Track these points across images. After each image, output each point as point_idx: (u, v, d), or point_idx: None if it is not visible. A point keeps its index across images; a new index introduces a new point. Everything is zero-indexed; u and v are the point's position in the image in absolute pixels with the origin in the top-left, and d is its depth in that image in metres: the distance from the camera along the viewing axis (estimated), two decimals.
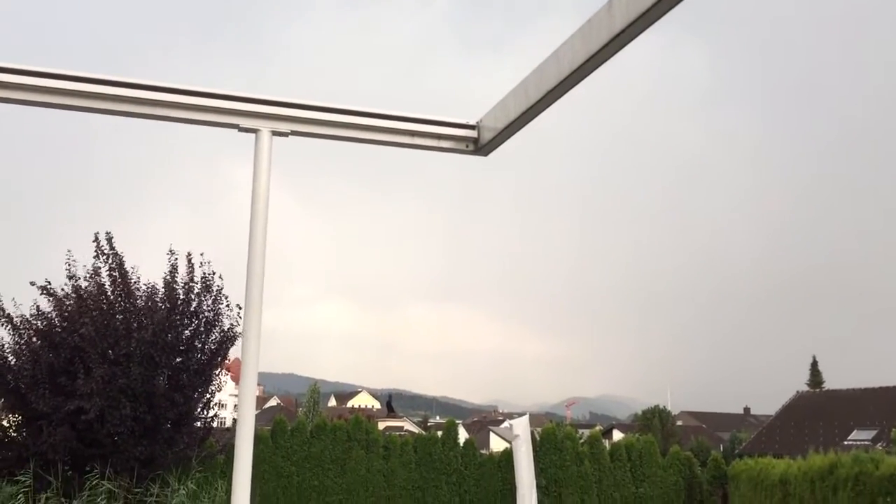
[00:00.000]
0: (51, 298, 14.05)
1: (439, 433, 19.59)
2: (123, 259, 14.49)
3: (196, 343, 14.76)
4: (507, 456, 18.47)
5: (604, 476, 18.94)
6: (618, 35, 2.13)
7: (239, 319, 14.87)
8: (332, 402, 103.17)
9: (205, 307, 14.88)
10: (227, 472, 15.28)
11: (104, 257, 14.37)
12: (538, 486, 18.02)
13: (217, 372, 15.54)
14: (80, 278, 14.22)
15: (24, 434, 13.97)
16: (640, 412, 60.61)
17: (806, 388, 50.06)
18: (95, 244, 14.41)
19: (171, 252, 14.90)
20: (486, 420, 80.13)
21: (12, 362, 13.90)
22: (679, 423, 65.20)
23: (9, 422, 14.62)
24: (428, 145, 3.05)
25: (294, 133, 2.91)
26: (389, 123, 2.97)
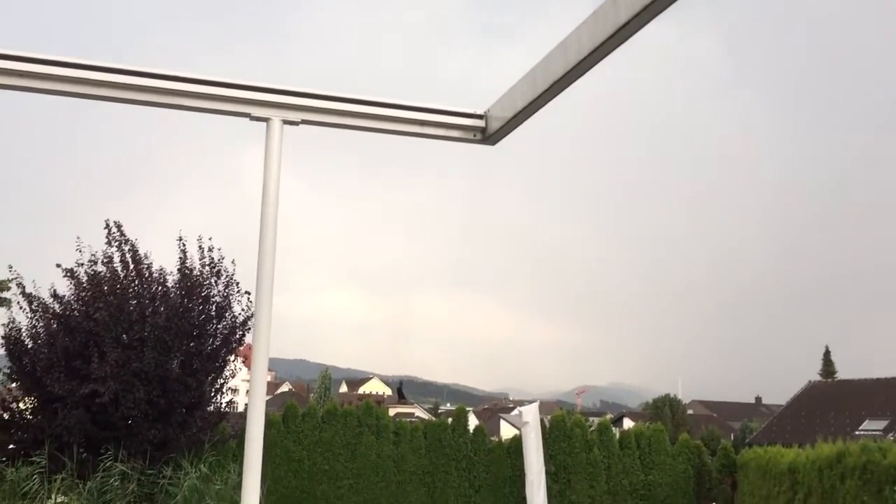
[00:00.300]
0: (72, 282, 14.20)
1: (449, 420, 19.69)
2: (137, 245, 14.64)
3: (208, 328, 14.89)
4: (517, 442, 18.54)
5: (613, 463, 19.00)
6: (623, 27, 2.15)
7: (250, 304, 15.00)
8: (344, 389, 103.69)
9: (215, 293, 15.00)
10: (239, 455, 15.44)
11: (116, 243, 14.51)
12: (547, 473, 18.11)
13: (231, 357, 15.68)
14: (96, 262, 14.39)
15: (40, 417, 14.15)
16: (650, 401, 60.62)
17: (818, 379, 49.89)
18: (107, 230, 14.55)
19: (180, 239, 15.00)
20: (496, 407, 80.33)
21: (29, 346, 14.09)
22: (690, 412, 65.14)
23: (25, 404, 14.81)
24: (436, 134, 3.08)
25: (304, 122, 2.94)
26: (398, 112, 3.00)
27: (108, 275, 14.24)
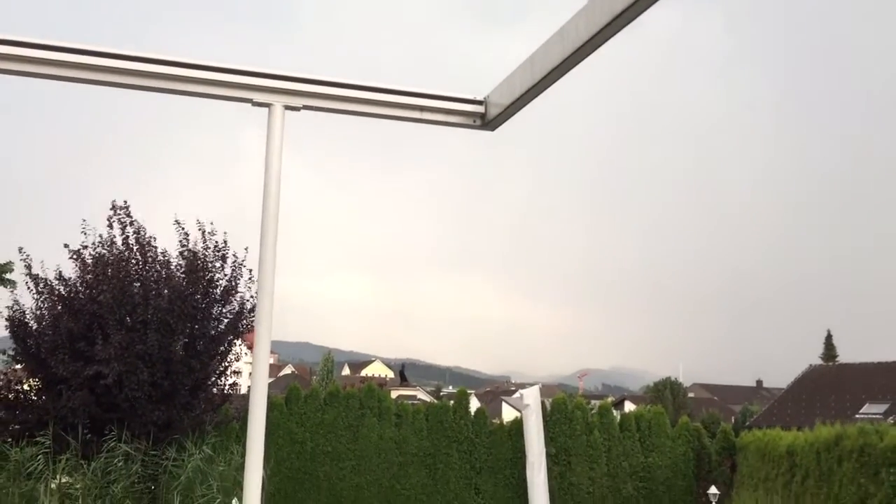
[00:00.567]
0: (77, 264, 14.27)
1: (451, 402, 19.78)
2: (142, 228, 14.68)
3: (212, 311, 14.96)
4: (518, 425, 18.65)
5: (613, 445, 19.10)
6: (619, 15, 2.18)
7: (251, 283, 15.07)
8: (346, 371, 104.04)
9: (219, 276, 15.05)
10: (242, 436, 15.55)
11: (121, 226, 14.56)
12: (548, 455, 18.25)
13: (235, 340, 15.76)
14: (101, 244, 14.45)
15: (44, 398, 14.25)
16: (652, 384, 60.84)
17: (819, 362, 50.02)
18: (112, 212, 14.59)
19: (177, 223, 15.02)
20: (498, 390, 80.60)
21: (34, 327, 14.18)
22: (691, 395, 65.35)
23: (29, 385, 14.93)
24: (436, 120, 3.11)
25: (306, 107, 2.97)
26: (399, 98, 3.03)
27: (112, 257, 14.30)
